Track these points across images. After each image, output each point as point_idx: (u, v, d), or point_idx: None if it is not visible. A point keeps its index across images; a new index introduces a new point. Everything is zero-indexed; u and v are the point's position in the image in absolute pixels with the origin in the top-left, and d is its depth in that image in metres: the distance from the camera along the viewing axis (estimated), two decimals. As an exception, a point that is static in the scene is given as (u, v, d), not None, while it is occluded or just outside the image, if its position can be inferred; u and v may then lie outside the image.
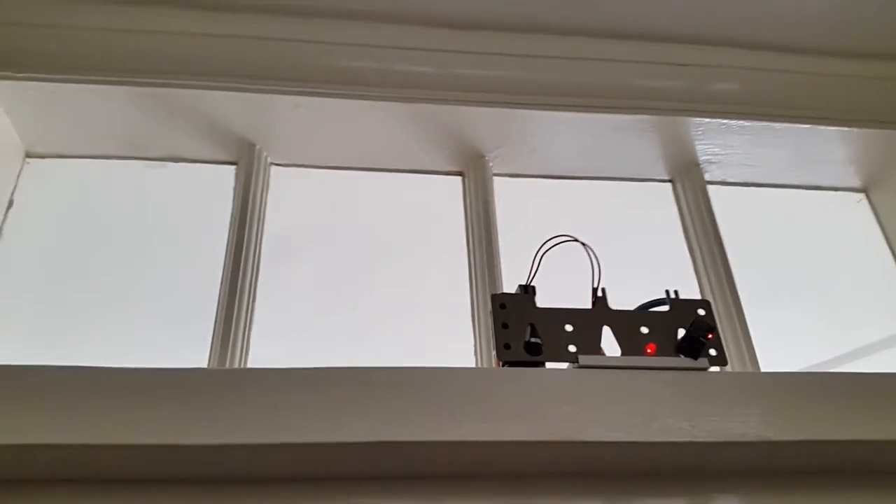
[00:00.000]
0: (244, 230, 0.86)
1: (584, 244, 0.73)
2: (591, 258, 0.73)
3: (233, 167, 0.93)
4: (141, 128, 0.90)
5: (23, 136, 0.90)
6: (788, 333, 1.09)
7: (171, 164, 0.93)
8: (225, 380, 0.65)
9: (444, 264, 0.94)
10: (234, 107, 0.89)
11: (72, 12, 0.86)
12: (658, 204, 1.02)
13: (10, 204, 0.88)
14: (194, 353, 0.80)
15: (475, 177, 0.95)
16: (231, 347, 0.78)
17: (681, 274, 0.93)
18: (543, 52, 0.94)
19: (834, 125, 0.97)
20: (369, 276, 0.98)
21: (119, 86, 0.85)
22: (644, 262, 0.95)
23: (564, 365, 0.70)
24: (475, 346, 0.82)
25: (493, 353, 0.70)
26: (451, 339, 0.88)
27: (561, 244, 0.72)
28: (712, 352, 0.71)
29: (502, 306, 0.72)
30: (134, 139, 0.91)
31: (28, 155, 0.91)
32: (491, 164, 0.97)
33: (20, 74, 0.83)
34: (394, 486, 0.63)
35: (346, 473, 0.63)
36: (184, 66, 0.86)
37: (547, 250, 0.73)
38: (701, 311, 0.74)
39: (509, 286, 0.82)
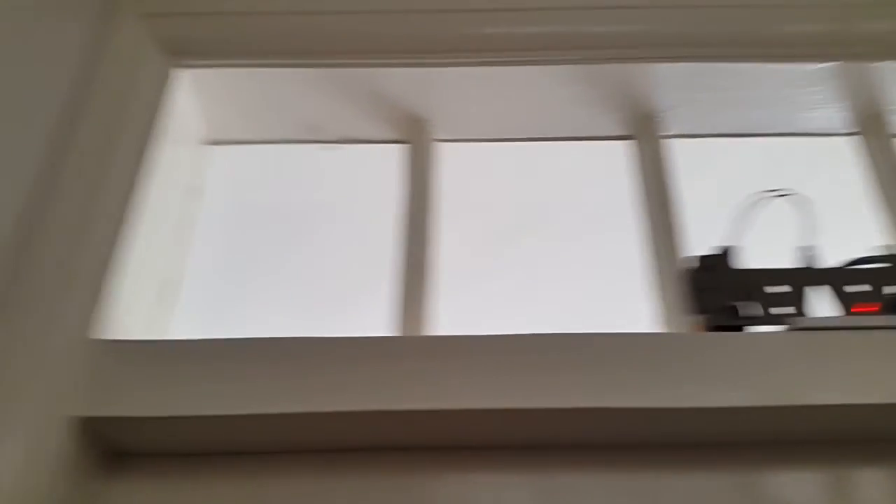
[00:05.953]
0: (417, 206, 0.87)
1: (799, 197, 0.68)
2: (802, 214, 0.68)
3: (400, 146, 0.94)
4: (316, 110, 0.92)
5: (209, 124, 0.94)
6: None
7: (344, 146, 0.96)
8: (418, 346, 0.66)
9: (612, 228, 0.92)
10: (402, 83, 0.90)
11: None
12: (840, 159, 0.96)
13: (197, 190, 0.92)
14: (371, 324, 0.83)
15: (645, 140, 0.92)
16: (416, 315, 0.80)
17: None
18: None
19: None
20: (530, 243, 0.98)
21: (297, 68, 0.87)
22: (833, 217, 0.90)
23: (770, 328, 0.67)
24: (662, 310, 0.79)
25: (694, 317, 0.67)
26: (626, 302, 0.86)
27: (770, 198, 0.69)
28: (934, 309, 0.66)
29: (699, 269, 0.69)
30: (309, 122, 0.94)
31: (211, 142, 0.96)
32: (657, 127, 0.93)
33: (208, 62, 0.84)
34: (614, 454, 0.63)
35: (548, 441, 0.63)
36: (356, 45, 0.86)
37: (752, 207, 0.69)
38: (920, 267, 0.68)
39: (688, 249, 0.79)
